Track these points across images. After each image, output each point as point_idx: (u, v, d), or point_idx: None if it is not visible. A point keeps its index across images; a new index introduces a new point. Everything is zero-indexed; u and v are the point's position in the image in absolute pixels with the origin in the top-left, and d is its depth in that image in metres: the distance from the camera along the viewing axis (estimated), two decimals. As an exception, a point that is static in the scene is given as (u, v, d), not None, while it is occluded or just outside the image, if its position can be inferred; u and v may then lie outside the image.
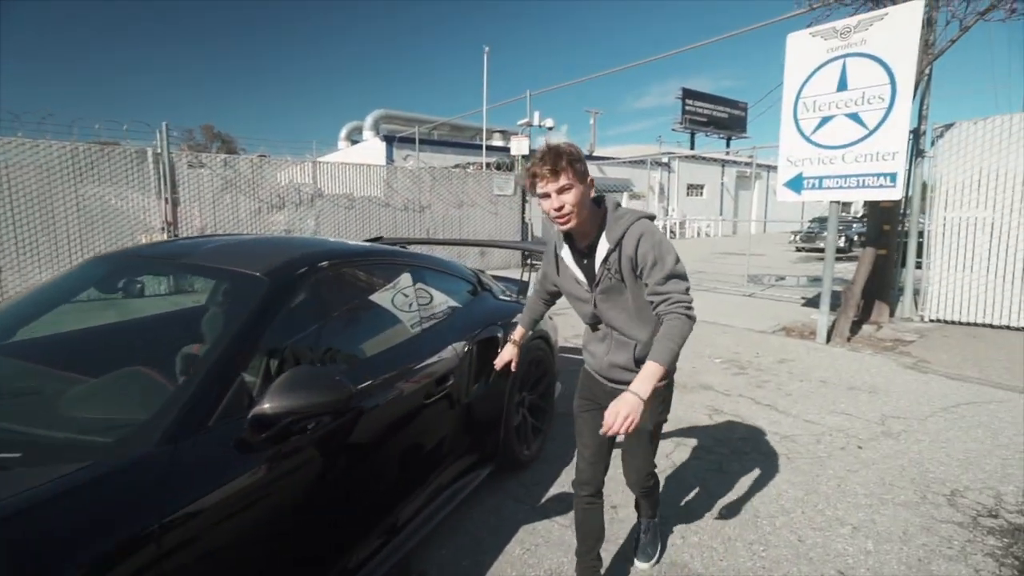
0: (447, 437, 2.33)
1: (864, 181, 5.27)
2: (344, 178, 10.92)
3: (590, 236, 1.68)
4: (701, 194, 30.17)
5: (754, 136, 36.83)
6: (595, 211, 1.67)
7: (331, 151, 27.54)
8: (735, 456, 3.11)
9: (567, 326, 5.69)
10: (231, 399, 1.42)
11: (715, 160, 30.34)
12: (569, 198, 1.57)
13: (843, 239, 17.06)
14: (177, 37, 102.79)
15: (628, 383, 1.51)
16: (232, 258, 1.95)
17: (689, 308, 1.56)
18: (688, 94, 32.37)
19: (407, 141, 19.43)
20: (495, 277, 3.70)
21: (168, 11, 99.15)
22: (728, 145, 34.36)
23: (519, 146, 13.35)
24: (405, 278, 2.43)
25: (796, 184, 5.83)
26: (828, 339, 5.90)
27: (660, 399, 1.78)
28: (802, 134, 5.69)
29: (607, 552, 2.13)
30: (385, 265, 2.42)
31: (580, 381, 1.96)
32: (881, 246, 6.21)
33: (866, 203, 6.21)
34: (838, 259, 16.22)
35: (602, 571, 1.99)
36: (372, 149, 21.49)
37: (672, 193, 27.71)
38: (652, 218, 1.69)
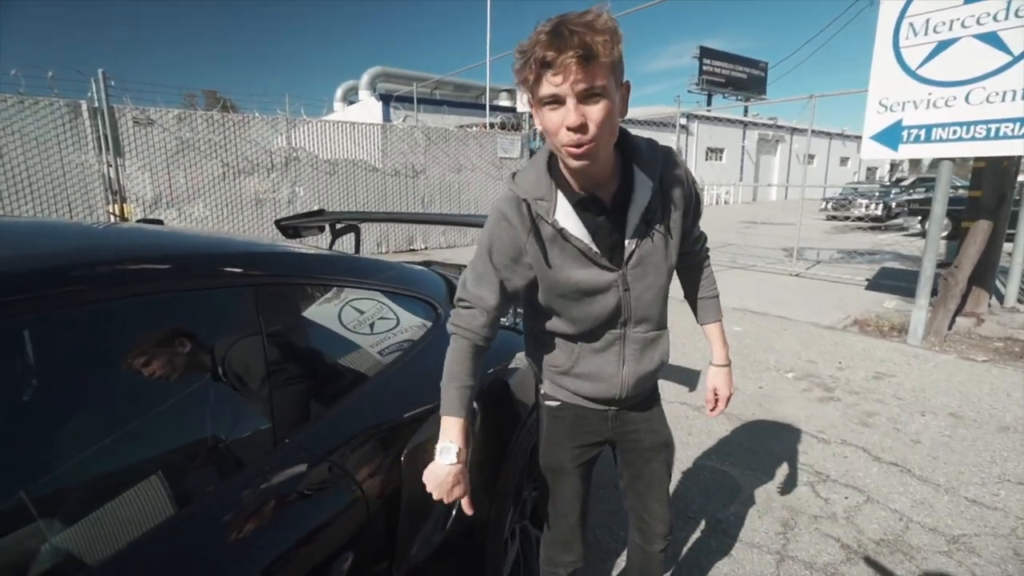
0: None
1: (998, 129, 3.82)
2: (325, 139, 9.48)
3: (611, 180, 0.99)
4: (720, 158, 28.27)
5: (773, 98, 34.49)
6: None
7: (328, 113, 25.82)
8: (885, 587, 1.83)
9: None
10: None
11: (737, 122, 28.33)
12: (597, 113, 0.84)
13: (880, 207, 15.40)
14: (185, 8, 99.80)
15: (647, 397, 1.22)
16: None
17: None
18: (706, 52, 30.22)
19: (405, 100, 17.73)
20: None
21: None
22: (746, 106, 32.19)
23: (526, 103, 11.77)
24: (249, 318, 1.09)
25: (891, 136, 4.38)
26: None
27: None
28: (904, 67, 4.21)
29: None
30: (210, 289, 1.05)
31: (559, 427, 1.22)
32: (995, 218, 4.78)
33: (976, 161, 4.74)
34: (871, 230, 14.79)
35: None
36: (368, 110, 19.83)
37: (690, 157, 25.87)
38: None
